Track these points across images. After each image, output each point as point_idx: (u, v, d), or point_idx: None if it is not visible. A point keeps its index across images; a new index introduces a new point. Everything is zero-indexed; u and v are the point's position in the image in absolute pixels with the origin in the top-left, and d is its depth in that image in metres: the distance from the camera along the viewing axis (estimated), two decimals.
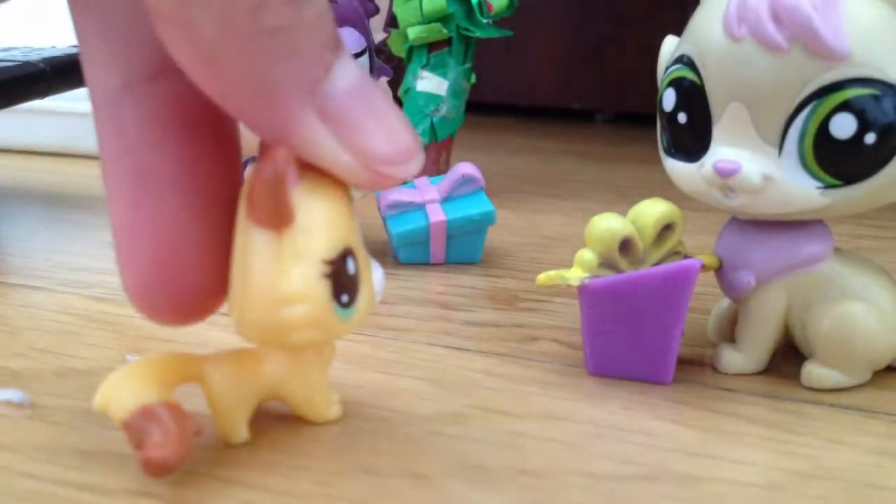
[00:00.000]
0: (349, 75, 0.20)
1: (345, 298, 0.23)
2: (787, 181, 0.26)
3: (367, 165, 0.21)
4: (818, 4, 0.25)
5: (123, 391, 0.23)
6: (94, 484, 0.23)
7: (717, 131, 0.27)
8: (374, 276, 0.24)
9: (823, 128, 0.25)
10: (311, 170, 0.22)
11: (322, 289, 0.22)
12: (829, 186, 0.26)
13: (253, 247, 0.22)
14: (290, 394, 0.25)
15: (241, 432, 0.25)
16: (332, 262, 0.22)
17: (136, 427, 0.22)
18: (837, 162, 0.26)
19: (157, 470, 0.22)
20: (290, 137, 0.20)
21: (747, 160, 0.27)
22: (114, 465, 0.24)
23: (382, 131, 0.21)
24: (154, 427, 0.22)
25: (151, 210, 0.22)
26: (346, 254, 0.22)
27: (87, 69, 0.22)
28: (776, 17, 0.25)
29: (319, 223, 0.22)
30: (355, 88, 0.20)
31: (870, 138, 0.25)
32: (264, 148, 0.21)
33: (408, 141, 0.21)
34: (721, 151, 0.27)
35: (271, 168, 0.21)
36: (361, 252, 0.23)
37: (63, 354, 0.31)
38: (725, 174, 0.27)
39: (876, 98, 0.25)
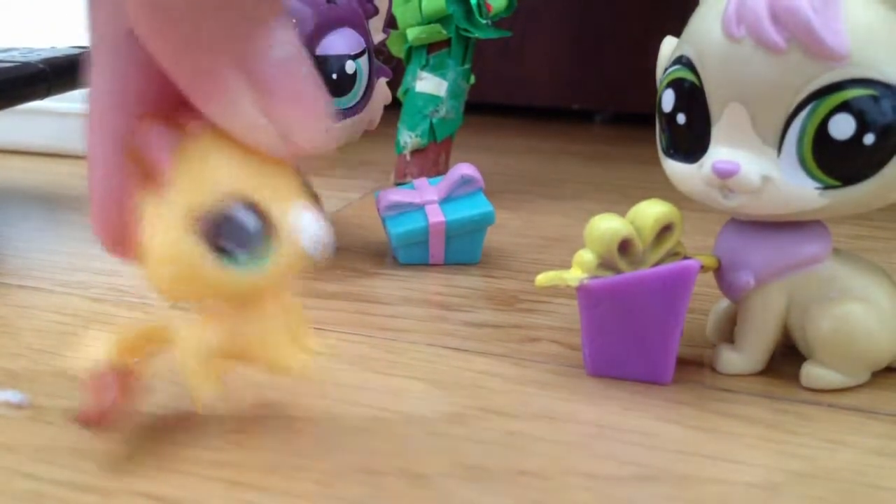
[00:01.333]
0: (286, 47, 0.21)
1: (235, 250, 0.22)
2: (786, 182, 0.26)
3: (281, 134, 0.21)
4: (817, 5, 0.25)
5: (92, 352, 0.24)
6: (94, 484, 0.23)
7: (716, 132, 0.27)
8: (300, 229, 0.23)
9: (822, 128, 0.25)
10: (186, 128, 0.22)
11: (190, 244, 0.22)
12: (827, 187, 0.26)
13: (142, 207, 0.22)
14: (252, 351, 0.25)
15: (209, 390, 0.25)
16: (205, 217, 0.22)
17: (90, 385, 0.24)
18: (836, 163, 0.26)
19: (85, 423, 0.23)
20: (212, 94, 0.21)
21: (746, 161, 0.27)
22: (113, 466, 0.24)
23: (303, 106, 0.21)
24: (99, 387, 0.24)
25: None
26: (236, 204, 0.22)
27: (97, 12, 0.21)
28: (775, 18, 0.25)
29: (194, 177, 0.22)
30: (288, 61, 0.21)
31: (869, 139, 0.25)
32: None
33: (325, 121, 0.22)
34: (720, 152, 0.27)
35: (134, 132, 0.21)
36: (280, 203, 0.23)
37: (62, 355, 0.31)
38: (724, 175, 0.27)
39: (875, 99, 0.25)
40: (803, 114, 0.25)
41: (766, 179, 0.26)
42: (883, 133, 0.25)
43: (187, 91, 0.21)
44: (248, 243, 0.23)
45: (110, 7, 0.21)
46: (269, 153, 0.22)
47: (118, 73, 0.22)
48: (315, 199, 0.25)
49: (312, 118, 0.22)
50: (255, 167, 0.23)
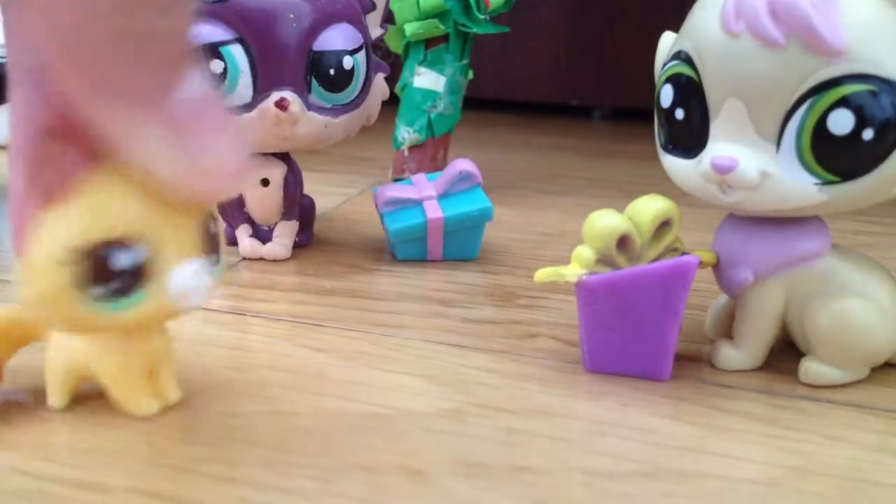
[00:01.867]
0: (197, 89, 0.21)
1: (98, 291, 0.22)
2: (785, 177, 0.26)
3: (199, 174, 0.22)
4: (816, 0, 0.25)
5: None
6: (92, 482, 0.23)
7: (715, 127, 0.27)
8: (171, 282, 0.23)
9: (821, 124, 0.25)
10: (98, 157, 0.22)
11: (58, 274, 0.22)
12: (826, 183, 0.26)
13: (37, 221, 0.22)
14: (99, 377, 0.26)
15: (56, 401, 0.26)
16: (81, 251, 0.22)
17: None
18: (835, 158, 0.26)
19: None
20: (133, 141, 0.21)
21: (745, 156, 0.26)
22: (112, 464, 0.24)
23: (219, 146, 0.22)
24: None
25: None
26: (115, 245, 0.22)
27: (13, 44, 0.22)
28: (774, 13, 0.25)
29: (82, 209, 0.22)
30: (201, 102, 0.21)
31: (867, 134, 0.25)
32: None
33: (239, 160, 0.22)
34: (719, 147, 0.27)
35: (45, 146, 0.21)
36: (172, 252, 0.23)
37: None
38: (723, 170, 0.27)
39: (874, 94, 0.25)
40: (802, 109, 0.25)
41: (764, 175, 0.26)
42: (882, 128, 0.25)
43: (103, 130, 0.21)
44: (118, 285, 0.23)
45: (23, 42, 0.21)
46: (184, 194, 0.22)
47: (33, 97, 0.22)
48: (215, 246, 0.24)
49: (226, 161, 0.22)
50: (157, 208, 0.22)
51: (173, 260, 0.23)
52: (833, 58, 0.25)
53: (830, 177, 0.26)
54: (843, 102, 0.25)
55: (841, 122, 0.25)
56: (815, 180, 0.26)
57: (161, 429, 0.26)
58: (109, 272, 0.22)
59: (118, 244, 0.22)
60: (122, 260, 0.22)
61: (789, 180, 0.26)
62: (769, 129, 0.26)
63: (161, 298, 0.23)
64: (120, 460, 0.24)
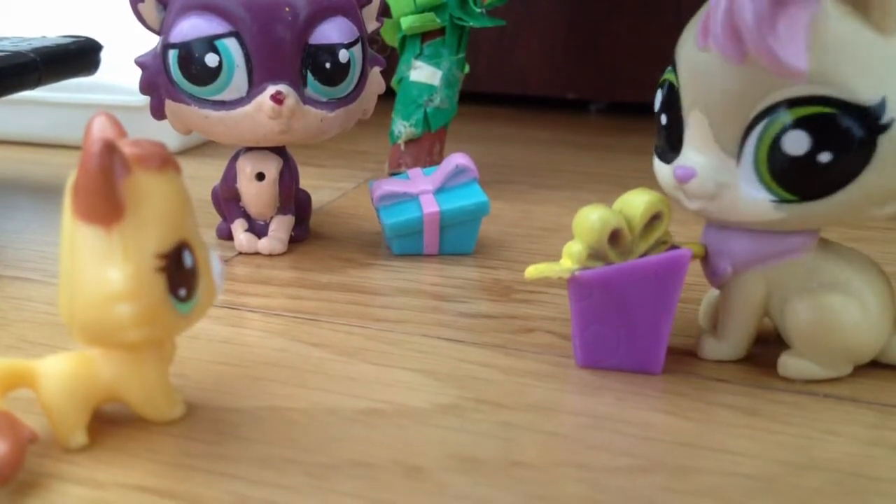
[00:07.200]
0: None
1: (182, 293, 0.22)
2: (742, 191, 0.26)
3: None
4: (778, 22, 0.24)
5: None
6: (88, 477, 0.23)
7: (686, 136, 0.27)
8: (213, 268, 0.24)
9: (776, 142, 0.25)
10: (142, 162, 0.22)
11: (156, 284, 0.22)
12: (784, 201, 0.26)
13: (80, 244, 0.21)
14: (129, 395, 0.25)
15: (79, 437, 0.24)
16: (166, 256, 0.22)
17: None
18: (791, 177, 0.26)
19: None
20: None
21: (704, 167, 0.27)
22: (107, 459, 0.24)
23: None
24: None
25: None
26: (182, 247, 0.22)
27: None
28: (735, 32, 0.24)
29: (151, 216, 0.22)
30: None
31: (824, 157, 0.25)
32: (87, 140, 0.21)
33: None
34: (685, 156, 0.27)
35: (96, 161, 0.21)
36: (199, 244, 0.23)
37: (54, 346, 0.31)
38: (681, 179, 0.27)
39: (832, 118, 0.24)
40: (760, 126, 0.25)
41: (722, 187, 0.26)
42: (840, 152, 0.25)
43: None
44: (190, 285, 0.23)
45: None
46: None
47: None
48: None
49: None
50: (181, 201, 0.23)
51: (202, 257, 0.23)
52: (792, 79, 0.24)
53: (787, 195, 0.26)
54: (799, 123, 0.25)
55: (796, 143, 0.25)
56: (771, 197, 0.26)
57: (156, 425, 0.26)
58: (186, 272, 0.23)
59: (184, 245, 0.22)
60: (187, 259, 0.23)
61: (746, 194, 0.26)
62: (730, 143, 0.26)
63: (207, 295, 0.24)
64: (115, 456, 0.24)
